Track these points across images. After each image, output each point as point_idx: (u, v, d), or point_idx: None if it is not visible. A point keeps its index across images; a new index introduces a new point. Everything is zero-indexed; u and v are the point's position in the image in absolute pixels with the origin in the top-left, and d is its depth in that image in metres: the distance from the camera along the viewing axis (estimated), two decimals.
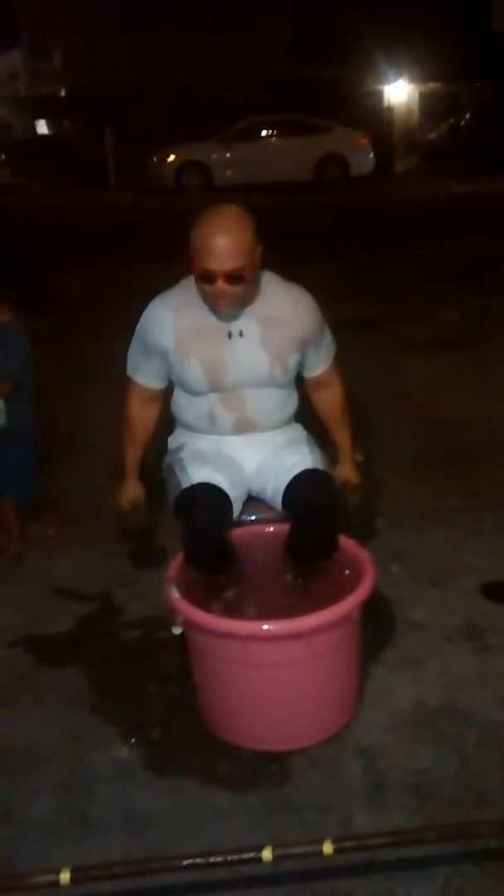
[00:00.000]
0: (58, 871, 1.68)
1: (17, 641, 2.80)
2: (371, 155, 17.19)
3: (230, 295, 2.32)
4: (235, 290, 2.31)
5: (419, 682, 2.51)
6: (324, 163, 16.72)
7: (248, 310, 2.42)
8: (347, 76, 21.59)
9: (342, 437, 2.71)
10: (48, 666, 2.69)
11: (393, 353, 5.63)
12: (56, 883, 1.68)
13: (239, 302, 2.37)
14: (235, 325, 2.43)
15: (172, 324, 2.44)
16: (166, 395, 2.61)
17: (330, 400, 2.69)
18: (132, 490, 2.67)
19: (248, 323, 2.43)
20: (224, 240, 2.26)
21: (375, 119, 20.06)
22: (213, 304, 2.37)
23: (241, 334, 2.43)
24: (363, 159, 17.07)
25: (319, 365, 2.62)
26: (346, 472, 2.69)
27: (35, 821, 2.12)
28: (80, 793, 2.20)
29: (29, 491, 3.35)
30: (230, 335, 2.43)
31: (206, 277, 2.30)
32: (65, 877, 1.68)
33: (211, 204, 2.39)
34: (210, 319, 2.42)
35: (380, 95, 22.40)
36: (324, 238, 9.98)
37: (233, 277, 2.29)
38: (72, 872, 1.68)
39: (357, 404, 2.79)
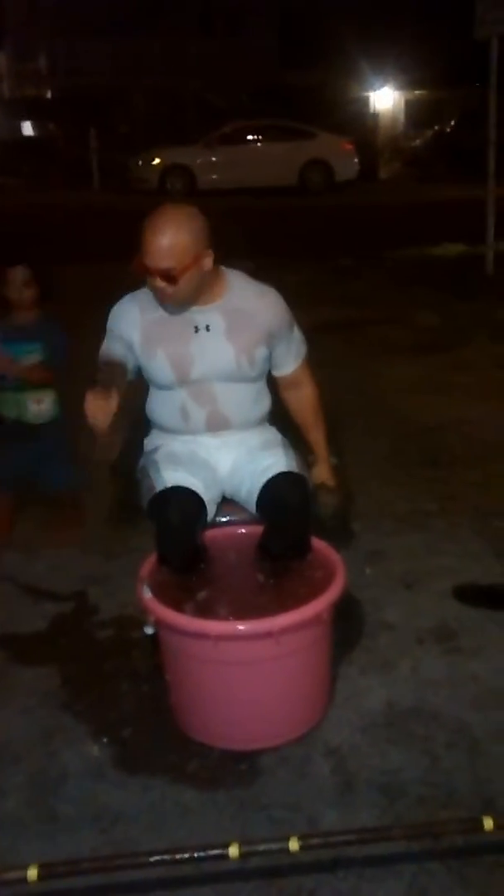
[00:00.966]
0: (25, 868, 1.69)
1: None
2: (355, 160, 17.28)
3: (167, 292, 2.36)
4: (171, 288, 2.34)
5: (390, 684, 2.53)
6: (308, 168, 16.81)
7: (214, 305, 2.45)
8: (333, 82, 21.70)
9: (316, 437, 2.72)
10: (20, 664, 2.69)
11: (372, 356, 5.66)
12: (24, 879, 1.68)
13: (180, 300, 2.40)
14: (202, 320, 2.45)
15: (139, 317, 2.47)
16: (136, 394, 2.60)
17: (302, 400, 2.70)
18: (101, 400, 2.26)
19: (213, 317, 2.46)
20: (162, 238, 2.29)
21: (360, 125, 20.16)
22: (159, 298, 2.41)
23: (207, 328, 2.46)
24: (347, 165, 17.16)
25: (289, 363, 2.64)
26: (321, 473, 2.71)
27: (4, 817, 2.12)
28: (49, 790, 2.20)
29: (71, 475, 3.35)
30: (196, 329, 2.45)
31: (144, 271, 2.35)
32: (32, 873, 1.68)
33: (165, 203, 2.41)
34: (175, 314, 2.45)
35: (365, 102, 22.50)
36: (307, 242, 10.02)
37: (167, 276, 2.32)
38: (39, 869, 1.68)
39: (334, 407, 2.81)
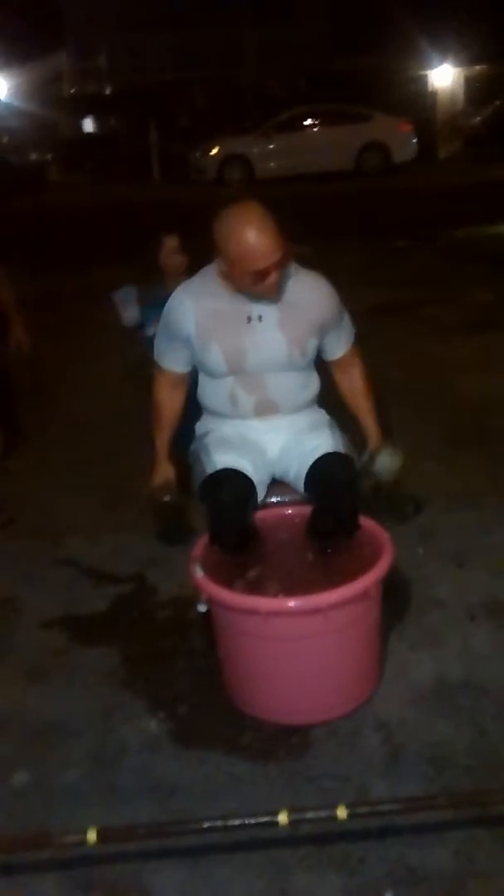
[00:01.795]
0: (85, 831, 1.78)
1: (53, 621, 2.92)
2: (413, 141, 17.08)
3: (278, 281, 2.43)
4: (281, 274, 2.43)
5: (440, 659, 2.56)
6: (366, 151, 16.67)
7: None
8: (389, 63, 21.39)
9: (367, 418, 2.77)
10: (82, 644, 2.80)
11: (425, 336, 5.64)
12: (83, 843, 1.78)
13: (281, 283, 2.47)
14: (255, 310, 2.50)
15: (193, 310, 2.52)
16: (192, 380, 2.70)
17: (352, 382, 2.76)
18: (163, 472, 2.73)
19: (267, 308, 2.51)
20: (265, 237, 2.34)
21: (418, 105, 19.88)
22: (263, 296, 2.46)
23: (259, 318, 2.51)
24: (405, 146, 16.97)
25: (339, 348, 2.69)
26: (374, 439, 2.74)
27: (66, 788, 2.22)
28: (109, 763, 2.29)
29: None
30: (249, 319, 2.50)
31: (258, 276, 2.38)
32: (91, 837, 1.78)
33: (231, 205, 2.45)
34: (229, 305, 2.50)
35: (423, 81, 22.15)
36: (363, 225, 9.98)
37: (280, 265, 2.39)
38: (98, 833, 1.78)
39: (387, 387, 2.84)
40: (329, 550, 2.49)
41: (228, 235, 2.37)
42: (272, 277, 2.40)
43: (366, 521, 2.53)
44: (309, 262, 2.65)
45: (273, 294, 2.47)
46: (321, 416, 2.70)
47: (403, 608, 2.78)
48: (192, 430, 2.76)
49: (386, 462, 2.69)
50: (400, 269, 7.65)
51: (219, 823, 1.86)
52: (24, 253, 8.73)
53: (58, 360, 5.48)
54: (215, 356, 2.52)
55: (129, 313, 3.64)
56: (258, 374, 2.54)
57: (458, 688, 2.43)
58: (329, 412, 2.73)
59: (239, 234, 2.35)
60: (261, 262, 2.36)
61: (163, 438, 2.74)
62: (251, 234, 2.34)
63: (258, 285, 2.41)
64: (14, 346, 3.83)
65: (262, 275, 2.38)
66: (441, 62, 22.05)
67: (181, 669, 2.63)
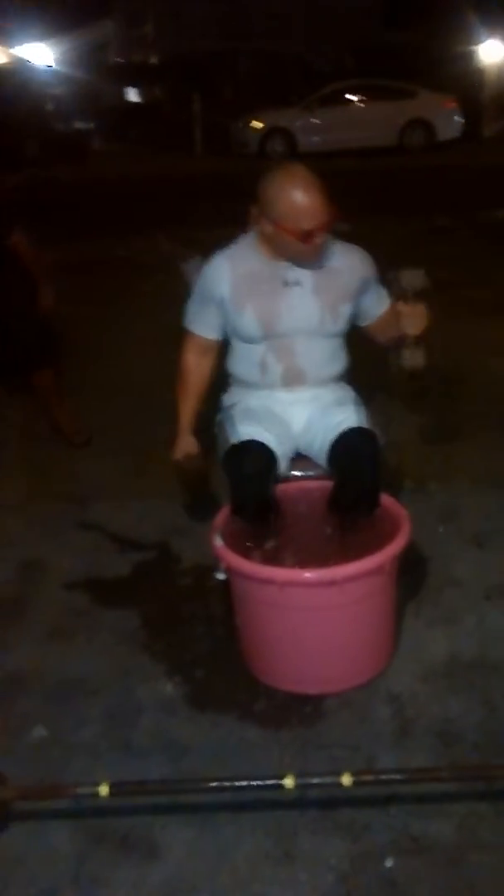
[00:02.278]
0: (97, 785, 1.85)
1: (77, 583, 2.99)
2: (458, 119, 16.81)
3: (323, 244, 2.46)
4: (327, 236, 2.46)
5: (454, 637, 2.59)
6: (409, 128, 16.45)
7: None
8: (437, 38, 20.99)
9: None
10: (103, 606, 2.86)
11: (458, 317, 5.57)
12: (96, 794, 1.85)
13: (322, 249, 2.50)
14: (291, 275, 2.53)
15: (229, 272, 2.55)
16: (220, 350, 2.72)
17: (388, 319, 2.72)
18: (186, 443, 2.75)
19: (303, 272, 2.53)
20: (314, 196, 2.38)
21: (465, 81, 19.50)
22: (306, 259, 2.49)
23: (297, 283, 2.53)
24: (450, 123, 16.72)
25: (379, 308, 2.71)
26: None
27: (83, 744, 2.29)
28: (125, 722, 2.35)
29: None
30: (286, 283, 2.53)
31: (306, 237, 2.41)
32: (104, 790, 1.85)
33: (276, 167, 2.47)
34: (266, 268, 2.53)
35: (470, 57, 21.73)
36: (403, 202, 9.89)
37: (327, 227, 2.42)
38: (110, 786, 1.85)
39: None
40: (348, 526, 2.52)
41: (277, 195, 2.40)
42: (318, 238, 2.43)
43: (385, 499, 2.55)
44: (347, 239, 2.66)
45: (316, 257, 2.49)
46: (347, 391, 2.72)
47: (421, 586, 2.80)
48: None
49: (414, 355, 2.67)
50: (438, 249, 7.56)
51: (226, 783, 1.93)
52: (65, 220, 8.80)
53: (92, 325, 5.53)
54: (249, 319, 2.54)
55: None
56: (289, 339, 2.56)
57: (471, 666, 2.46)
58: (355, 389, 2.75)
59: (288, 193, 2.38)
60: (309, 222, 2.38)
61: (187, 407, 2.75)
62: (300, 193, 2.37)
63: (304, 247, 2.43)
64: (40, 311, 3.86)
65: (309, 235, 2.40)
66: (489, 38, 21.59)
67: (199, 635, 2.68)
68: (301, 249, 2.45)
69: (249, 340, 2.60)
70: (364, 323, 2.72)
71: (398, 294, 2.66)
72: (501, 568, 2.89)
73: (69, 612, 2.84)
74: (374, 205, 9.32)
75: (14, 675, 2.54)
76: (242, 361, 2.66)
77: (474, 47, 21.34)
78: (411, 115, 16.47)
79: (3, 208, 3.75)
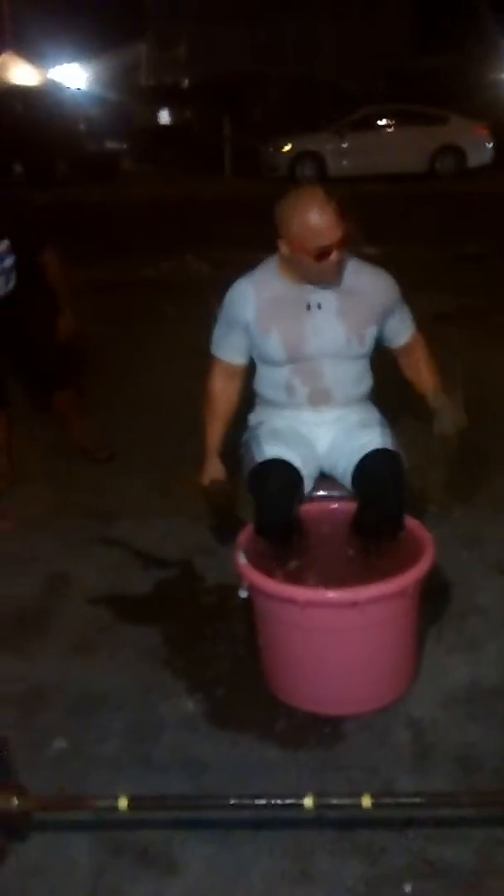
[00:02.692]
0: (117, 798, 1.87)
1: (101, 598, 3.02)
2: (489, 145, 16.83)
3: (339, 263, 2.50)
4: (342, 255, 2.49)
5: (476, 664, 2.59)
6: (440, 154, 16.50)
7: (327, 283, 2.55)
8: (470, 65, 21.15)
9: (430, 377, 2.80)
10: (127, 622, 2.89)
11: (488, 345, 5.59)
12: (115, 808, 1.87)
13: (342, 266, 2.54)
14: (314, 298, 2.56)
15: (254, 297, 2.59)
16: (247, 373, 2.76)
17: (417, 360, 2.81)
18: (213, 467, 2.77)
19: (326, 295, 2.56)
20: (327, 214, 2.42)
21: (496, 109, 19.57)
22: (324, 278, 2.52)
23: (319, 306, 2.56)
24: (481, 150, 16.74)
25: (403, 335, 2.75)
26: (439, 399, 2.76)
27: (104, 758, 2.31)
28: (146, 737, 2.38)
29: None
30: (309, 307, 2.56)
31: (321, 255, 2.45)
32: (123, 803, 1.87)
33: (292, 189, 2.53)
34: (290, 292, 2.56)
35: (502, 84, 21.84)
36: (432, 228, 9.92)
37: (342, 245, 2.46)
38: (130, 800, 1.87)
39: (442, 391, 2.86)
40: (371, 548, 2.54)
41: (291, 215, 2.45)
42: (334, 256, 2.46)
43: (409, 522, 2.56)
44: (374, 263, 2.70)
45: (333, 277, 2.53)
46: (373, 413, 2.74)
47: (443, 612, 2.80)
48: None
49: (450, 420, 2.74)
50: (469, 276, 7.59)
51: (246, 801, 1.94)
52: (94, 240, 8.91)
53: (121, 344, 5.60)
54: (275, 343, 2.58)
55: None
56: (316, 362, 2.60)
57: (492, 693, 2.46)
58: (381, 410, 2.77)
59: (302, 212, 2.43)
60: (323, 239, 2.42)
61: (214, 431, 2.78)
62: (313, 211, 2.42)
63: (320, 265, 2.47)
64: (60, 334, 3.88)
65: (324, 253, 2.44)
66: None
67: (221, 653, 2.70)
68: (317, 269, 2.49)
69: (275, 364, 2.63)
70: (390, 345, 2.76)
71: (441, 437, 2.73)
72: None
73: (93, 627, 2.87)
74: (404, 230, 9.38)
75: (37, 688, 2.57)
76: (269, 383, 2.70)
77: None
78: (442, 141, 16.52)
79: (35, 225, 3.78)
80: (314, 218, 2.42)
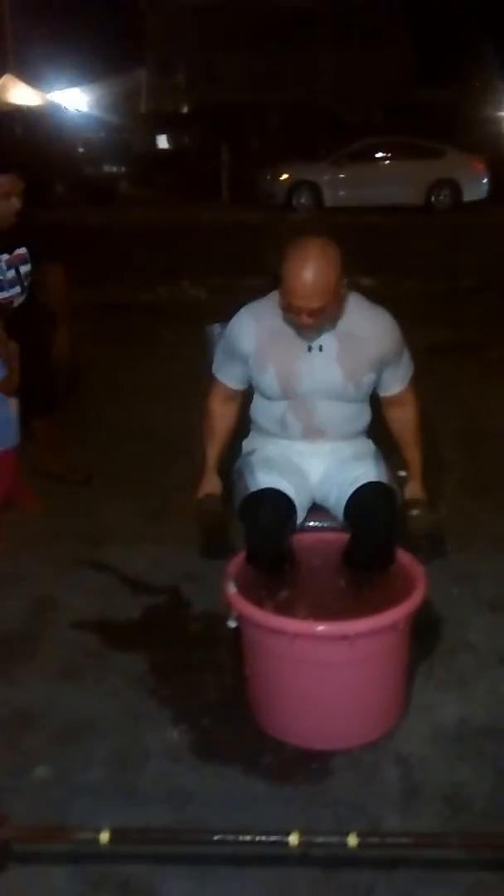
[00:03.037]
0: (98, 830, 1.83)
1: (88, 623, 2.98)
2: (485, 181, 17.02)
3: (312, 325, 2.47)
4: (318, 321, 2.47)
5: (465, 701, 2.56)
6: (436, 187, 16.67)
7: (329, 326, 2.54)
8: (468, 101, 21.44)
9: (413, 456, 2.78)
10: (113, 648, 2.86)
11: (482, 379, 5.63)
12: (97, 841, 1.83)
13: (320, 328, 2.52)
14: (316, 339, 2.55)
15: (256, 331, 2.59)
16: (245, 397, 2.75)
17: (404, 419, 2.77)
18: (210, 484, 2.75)
19: (328, 338, 2.55)
20: (310, 280, 2.38)
21: (494, 145, 19.81)
22: (300, 329, 2.52)
23: (320, 349, 2.56)
24: (477, 185, 16.90)
25: (395, 385, 2.71)
26: (414, 490, 2.76)
27: (87, 786, 2.27)
28: (130, 766, 2.34)
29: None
30: (310, 349, 2.56)
31: (291, 311, 2.45)
32: (105, 836, 1.83)
33: (301, 239, 2.48)
34: (291, 329, 2.55)
35: (500, 121, 22.13)
36: (429, 261, 10.00)
37: (315, 312, 2.43)
38: (112, 833, 1.83)
39: (438, 426, 2.85)
40: (362, 581, 2.52)
41: (284, 261, 2.43)
42: (305, 320, 2.44)
43: (402, 555, 2.55)
44: (370, 295, 2.70)
45: (303, 329, 2.50)
46: (367, 445, 2.74)
47: (433, 647, 2.78)
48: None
49: (418, 517, 2.71)
50: (464, 310, 7.64)
51: (230, 837, 1.90)
52: (89, 262, 8.92)
53: (114, 368, 5.59)
54: (270, 378, 2.57)
55: None
56: (310, 400, 2.59)
57: (481, 732, 2.43)
58: (376, 444, 2.76)
59: (290, 264, 2.41)
60: (295, 300, 2.41)
61: (213, 449, 2.78)
62: (299, 268, 2.39)
63: (292, 318, 2.48)
64: (55, 352, 3.85)
65: (296, 311, 2.43)
66: None
67: (208, 683, 2.67)
68: (294, 321, 2.48)
69: (270, 397, 2.63)
70: (381, 393, 2.71)
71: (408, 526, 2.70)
72: None
73: (79, 652, 2.83)
74: (400, 262, 9.45)
75: (21, 713, 2.54)
76: (264, 414, 2.70)
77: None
78: (439, 175, 16.67)
79: (48, 238, 3.72)
80: (295, 275, 2.39)
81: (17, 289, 3.55)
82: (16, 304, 3.58)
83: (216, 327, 2.89)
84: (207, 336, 3.00)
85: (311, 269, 2.38)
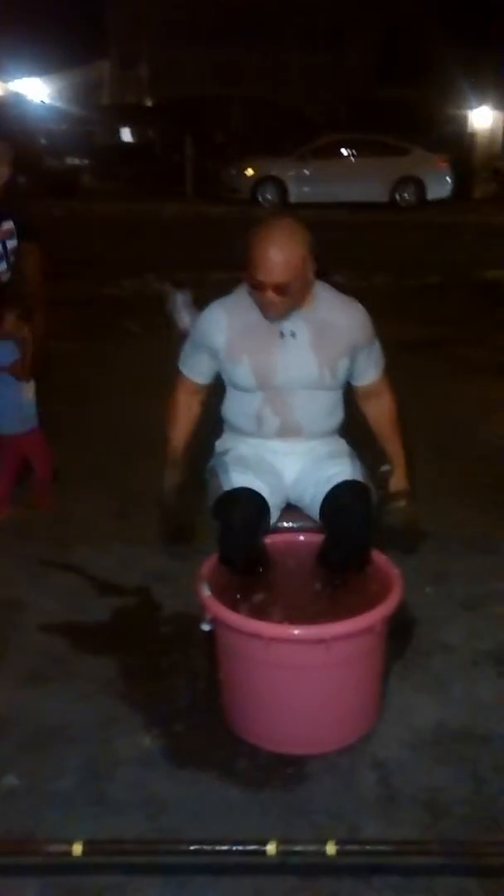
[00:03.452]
0: (70, 843, 1.77)
1: (56, 626, 2.91)
2: (448, 179, 17.13)
3: (277, 304, 2.43)
4: (283, 300, 2.42)
5: (442, 703, 2.54)
6: (401, 184, 16.73)
7: (301, 313, 2.51)
8: (431, 100, 21.57)
9: (394, 447, 2.75)
10: (83, 652, 2.79)
11: (452, 376, 5.64)
12: (69, 853, 1.76)
13: (286, 310, 2.47)
14: (287, 327, 2.51)
15: (226, 324, 2.54)
16: (211, 393, 2.70)
17: (381, 410, 2.74)
18: (172, 474, 2.68)
19: (299, 325, 2.52)
20: (275, 254, 2.36)
21: (457, 143, 19.96)
22: (261, 310, 2.48)
23: (292, 334, 2.52)
24: (440, 183, 17.02)
25: (369, 373, 2.68)
26: (398, 482, 2.73)
27: (58, 795, 2.21)
28: (102, 774, 2.28)
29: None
30: (282, 335, 2.51)
31: (256, 286, 2.41)
32: (77, 848, 1.76)
33: (268, 216, 2.48)
34: (263, 320, 2.51)
35: (463, 120, 22.31)
36: (394, 258, 10.01)
37: (280, 289, 2.39)
38: (84, 845, 1.77)
39: (410, 425, 2.82)
40: (338, 582, 2.48)
41: (252, 236, 2.41)
42: (269, 296, 2.41)
43: (377, 556, 2.52)
44: (341, 291, 2.66)
45: (269, 315, 2.47)
46: (342, 445, 2.70)
47: (408, 649, 2.76)
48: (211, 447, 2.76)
49: (400, 510, 2.69)
50: (430, 306, 7.67)
51: (206, 847, 1.85)
52: (52, 256, 8.79)
53: (79, 364, 5.51)
54: (245, 370, 2.53)
55: (185, 316, 3.53)
56: (287, 392, 2.55)
57: (458, 735, 2.41)
58: (351, 444, 2.73)
59: (257, 240, 2.39)
60: (260, 274, 2.38)
61: (176, 442, 2.71)
62: (265, 243, 2.37)
63: (256, 297, 2.44)
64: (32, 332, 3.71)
65: (260, 286, 2.40)
66: (481, 104, 22.23)
67: (180, 687, 2.62)
68: (259, 299, 2.44)
69: (245, 390, 2.58)
70: (356, 383, 2.69)
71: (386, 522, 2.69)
72: (490, 634, 2.86)
73: (47, 657, 2.76)
74: (365, 259, 9.44)
75: None
76: (238, 411, 2.64)
77: (467, 111, 21.93)
78: (403, 172, 16.75)
79: (31, 216, 3.58)
80: (260, 250, 2.37)
81: (4, 264, 3.43)
82: (3, 279, 3.45)
83: (179, 295, 2.83)
84: (171, 302, 2.93)
85: (276, 244, 2.37)
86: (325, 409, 2.61)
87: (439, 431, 4.50)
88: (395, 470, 2.74)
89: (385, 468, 2.73)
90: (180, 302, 3.27)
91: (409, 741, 2.39)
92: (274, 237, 2.38)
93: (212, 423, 2.75)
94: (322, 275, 2.57)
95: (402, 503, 2.71)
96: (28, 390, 3.56)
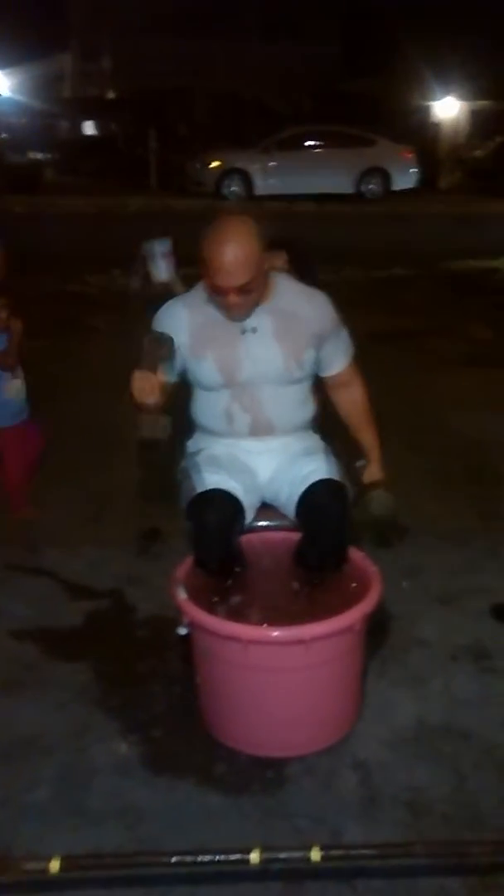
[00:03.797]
0: (48, 860, 1.72)
1: (27, 633, 2.85)
2: (414, 170, 17.18)
3: (241, 305, 2.39)
4: (246, 299, 2.38)
5: (421, 700, 2.52)
6: (366, 175, 16.74)
7: (262, 306, 2.46)
8: (396, 90, 21.59)
9: (368, 437, 2.72)
10: (56, 658, 2.73)
11: (422, 367, 5.64)
12: (45, 871, 1.71)
13: (250, 308, 2.43)
14: (249, 322, 2.47)
15: (187, 320, 2.49)
16: (176, 391, 2.62)
17: (352, 400, 2.70)
18: (147, 377, 2.28)
19: (261, 319, 2.47)
20: (232, 257, 2.30)
21: (422, 134, 20.02)
22: (225, 313, 2.43)
23: (254, 330, 2.47)
24: (406, 174, 17.07)
25: (337, 362, 2.64)
26: (374, 472, 2.71)
27: (34, 807, 2.15)
28: (78, 784, 2.23)
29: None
30: (244, 331, 2.47)
31: (217, 291, 2.36)
32: (54, 865, 1.71)
33: (216, 218, 2.39)
34: (224, 316, 2.46)
35: (427, 111, 22.36)
36: (361, 250, 9.99)
37: (243, 290, 2.34)
38: (62, 861, 1.72)
39: (381, 417, 2.80)
40: (315, 581, 2.45)
41: (204, 241, 2.34)
42: (232, 299, 2.36)
43: (354, 554, 2.49)
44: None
45: (233, 316, 2.43)
46: (316, 441, 2.66)
47: (385, 645, 2.74)
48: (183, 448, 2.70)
49: (377, 500, 2.66)
50: (398, 298, 7.66)
51: (188, 858, 1.81)
52: (14, 251, 8.66)
53: (45, 361, 5.39)
54: (209, 367, 2.48)
55: (162, 267, 3.37)
56: (254, 388, 2.50)
57: (439, 732, 2.39)
58: (324, 439, 2.69)
59: (210, 243, 2.32)
60: (219, 280, 2.33)
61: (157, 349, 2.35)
62: (220, 247, 2.30)
63: (219, 301, 2.39)
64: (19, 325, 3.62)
65: (222, 291, 2.35)
66: (446, 94, 22.27)
67: (156, 692, 2.57)
68: (222, 303, 2.40)
69: (211, 388, 2.53)
70: (325, 373, 2.65)
71: (365, 516, 2.67)
72: (467, 628, 2.85)
73: (18, 664, 2.70)
74: (332, 250, 9.41)
75: None
76: (207, 411, 2.59)
77: (432, 102, 21.97)
78: (369, 163, 16.77)
79: None
80: (219, 255, 2.30)
81: None
82: None
83: (156, 243, 2.72)
84: (146, 251, 2.83)
85: (231, 245, 2.30)
86: (294, 402, 2.57)
87: (411, 423, 4.49)
88: (370, 460, 2.71)
89: (360, 463, 2.71)
90: (158, 251, 3.09)
91: (388, 740, 2.36)
92: (227, 239, 2.31)
93: (181, 425, 2.70)
94: (308, 270, 2.52)
95: (378, 493, 2.68)
96: (12, 387, 3.51)
